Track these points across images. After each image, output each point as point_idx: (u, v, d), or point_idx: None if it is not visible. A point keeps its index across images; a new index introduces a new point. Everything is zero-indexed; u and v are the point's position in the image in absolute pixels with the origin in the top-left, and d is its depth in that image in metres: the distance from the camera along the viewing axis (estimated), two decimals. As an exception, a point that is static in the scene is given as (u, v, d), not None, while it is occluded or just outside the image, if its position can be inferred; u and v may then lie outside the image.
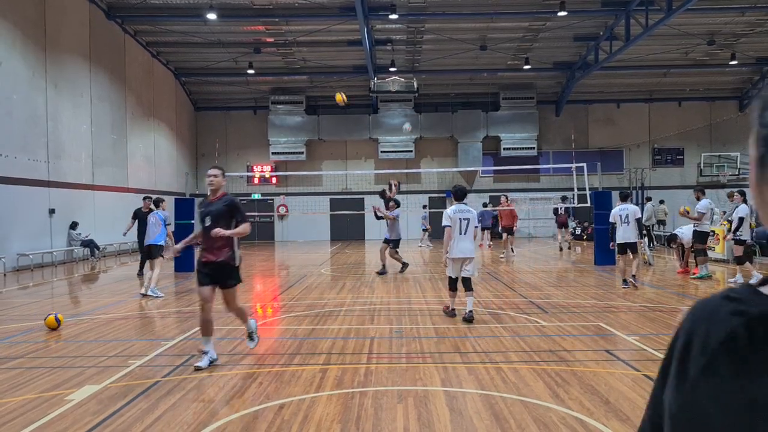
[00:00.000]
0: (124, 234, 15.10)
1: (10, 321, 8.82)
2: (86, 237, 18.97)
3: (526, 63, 26.83)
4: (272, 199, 31.33)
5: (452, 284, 8.52)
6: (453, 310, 8.58)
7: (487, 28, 24.37)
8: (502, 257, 18.20)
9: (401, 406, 4.75)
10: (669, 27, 22.17)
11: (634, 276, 11.35)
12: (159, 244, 11.42)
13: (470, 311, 8.14)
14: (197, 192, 30.38)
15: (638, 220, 11.52)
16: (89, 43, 20.59)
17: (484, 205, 24.54)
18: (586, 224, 26.91)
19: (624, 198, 11.73)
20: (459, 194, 8.71)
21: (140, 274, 14.18)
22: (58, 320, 8.01)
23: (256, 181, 31.28)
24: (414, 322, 8.32)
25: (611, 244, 12.74)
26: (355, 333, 7.71)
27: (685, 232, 13.67)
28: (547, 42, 25.81)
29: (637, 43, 22.17)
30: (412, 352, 6.56)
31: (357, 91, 30.51)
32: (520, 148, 30.60)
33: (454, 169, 29.30)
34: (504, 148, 30.74)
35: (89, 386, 5.35)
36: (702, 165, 31.00)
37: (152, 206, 12.62)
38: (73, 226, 18.89)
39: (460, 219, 8.35)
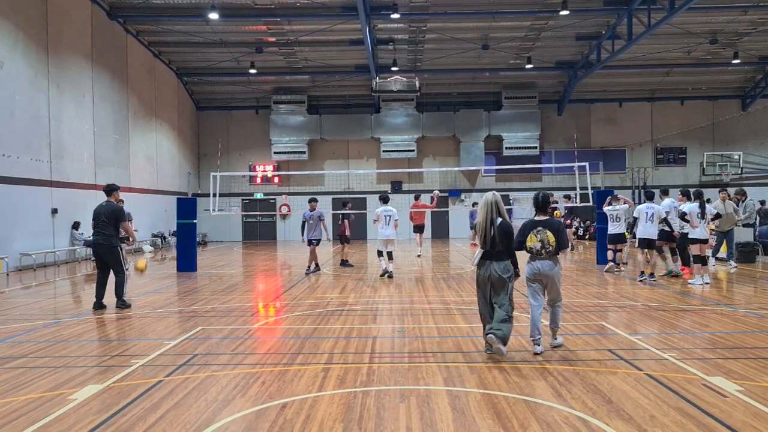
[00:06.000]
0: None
1: (12, 321, 8.84)
2: (88, 237, 18.99)
3: (528, 62, 26.83)
4: (274, 199, 31.39)
5: (380, 253, 13.71)
6: (385, 270, 13.33)
7: (489, 27, 24.36)
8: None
9: (404, 406, 4.76)
10: (671, 26, 22.16)
11: (652, 274, 11.95)
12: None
13: (390, 271, 13.38)
14: (199, 191, 30.45)
15: (664, 220, 12.10)
16: (91, 43, 20.62)
17: (473, 204, 25.83)
18: (587, 223, 26.86)
19: (650, 197, 12.41)
20: (384, 199, 14.00)
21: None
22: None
23: (258, 180, 31.43)
24: (416, 322, 8.33)
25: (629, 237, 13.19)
26: (358, 332, 7.71)
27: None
28: (549, 41, 25.80)
29: (640, 42, 22.16)
30: (414, 352, 6.56)
31: (359, 90, 30.58)
32: (522, 148, 30.62)
33: (456, 169, 29.31)
34: (506, 148, 30.74)
35: (92, 386, 5.36)
36: (705, 164, 30.96)
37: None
38: (76, 226, 18.93)
39: (384, 215, 13.43)
